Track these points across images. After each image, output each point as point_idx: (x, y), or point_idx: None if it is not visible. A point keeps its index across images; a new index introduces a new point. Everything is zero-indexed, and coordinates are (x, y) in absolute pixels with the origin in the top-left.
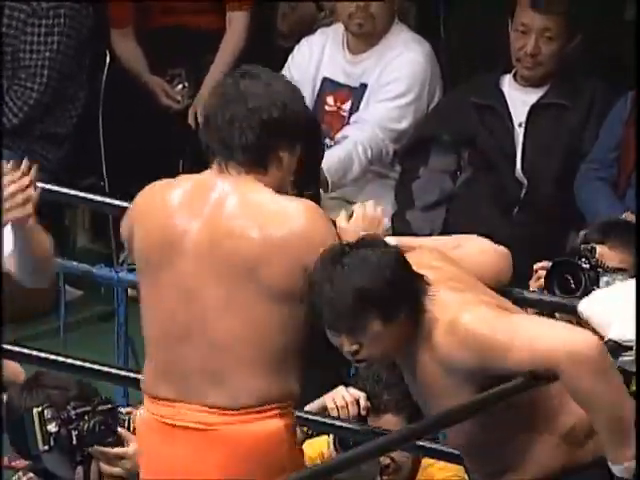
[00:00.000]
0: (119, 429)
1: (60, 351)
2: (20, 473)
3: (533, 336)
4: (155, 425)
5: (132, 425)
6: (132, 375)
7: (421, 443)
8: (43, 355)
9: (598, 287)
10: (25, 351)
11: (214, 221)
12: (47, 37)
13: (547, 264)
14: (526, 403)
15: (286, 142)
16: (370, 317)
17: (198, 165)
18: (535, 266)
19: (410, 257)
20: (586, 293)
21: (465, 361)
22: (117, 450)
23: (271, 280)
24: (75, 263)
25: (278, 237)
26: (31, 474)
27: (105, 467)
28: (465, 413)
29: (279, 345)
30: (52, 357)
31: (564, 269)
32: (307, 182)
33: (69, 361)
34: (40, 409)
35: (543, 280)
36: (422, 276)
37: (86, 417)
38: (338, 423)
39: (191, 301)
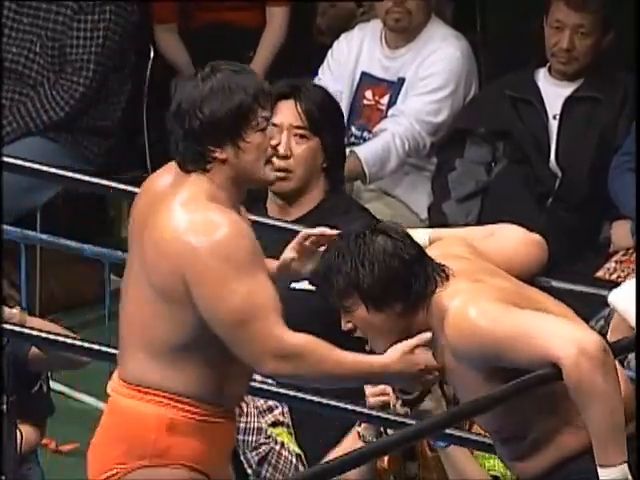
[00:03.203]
0: None
1: (106, 338)
2: None
3: (537, 333)
4: None
5: None
6: None
7: (450, 431)
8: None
9: None
10: (70, 341)
11: (149, 212)
12: (93, 32)
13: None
14: (557, 388)
15: (215, 143)
16: (354, 303)
17: None
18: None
19: (439, 247)
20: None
21: (468, 352)
22: None
23: (154, 278)
24: (120, 253)
25: (167, 239)
26: None
27: None
28: (488, 404)
29: (161, 338)
30: (95, 347)
31: None
32: (335, 168)
33: (108, 350)
34: None
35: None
36: (439, 269)
37: None
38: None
39: (124, 280)
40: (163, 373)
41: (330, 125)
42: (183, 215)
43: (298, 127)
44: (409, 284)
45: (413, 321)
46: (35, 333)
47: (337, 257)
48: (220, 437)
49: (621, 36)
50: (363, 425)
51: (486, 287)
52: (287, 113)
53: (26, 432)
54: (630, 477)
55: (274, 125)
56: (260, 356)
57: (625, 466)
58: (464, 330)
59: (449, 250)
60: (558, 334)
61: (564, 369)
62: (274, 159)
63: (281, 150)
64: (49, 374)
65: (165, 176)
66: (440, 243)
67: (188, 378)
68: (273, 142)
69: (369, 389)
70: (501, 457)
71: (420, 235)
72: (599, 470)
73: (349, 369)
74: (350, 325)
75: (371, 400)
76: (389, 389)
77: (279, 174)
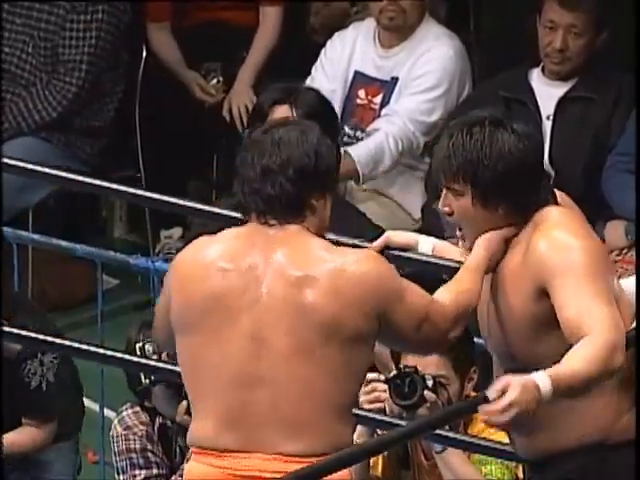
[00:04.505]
0: None
1: (97, 339)
2: (128, 404)
3: (592, 309)
4: (217, 478)
5: None
6: (166, 366)
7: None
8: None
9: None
10: (61, 341)
11: (277, 273)
12: (85, 33)
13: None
14: None
15: (319, 191)
16: (463, 190)
17: (232, 158)
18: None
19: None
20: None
21: (535, 266)
22: None
23: (348, 328)
24: (112, 253)
25: (350, 286)
26: (137, 407)
27: None
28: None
29: (351, 391)
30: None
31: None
32: None
33: (100, 351)
34: (141, 344)
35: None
36: (551, 188)
37: None
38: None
39: (260, 351)
40: (345, 430)
41: (326, 127)
42: (341, 254)
43: None
44: (523, 192)
45: (509, 225)
46: (33, 335)
47: (465, 138)
48: None
49: (614, 36)
50: (357, 433)
51: (591, 232)
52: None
53: (28, 433)
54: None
55: None
56: (444, 338)
57: (549, 394)
58: (549, 248)
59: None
60: (608, 324)
61: (595, 333)
62: None
63: None
64: (47, 372)
65: (250, 235)
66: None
67: (352, 428)
68: None
69: (363, 396)
70: (509, 430)
71: (425, 246)
72: (542, 375)
73: (476, 286)
74: (447, 209)
75: (365, 406)
76: (384, 395)
77: None
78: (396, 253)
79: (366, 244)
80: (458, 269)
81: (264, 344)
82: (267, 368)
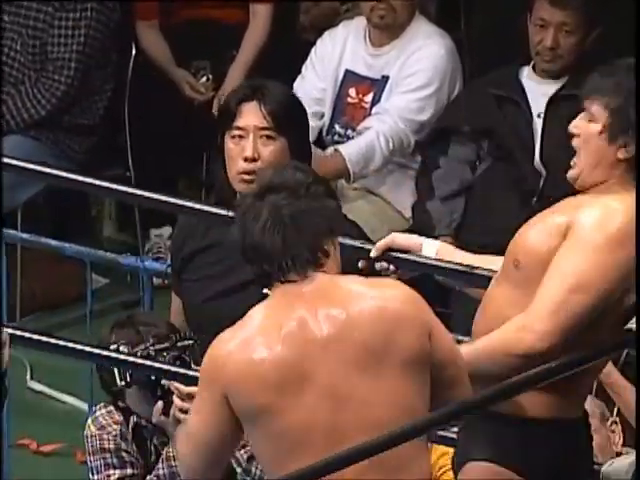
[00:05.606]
0: (194, 366)
1: (87, 338)
2: (102, 404)
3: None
4: None
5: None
6: (156, 365)
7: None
8: (63, 343)
9: None
10: (52, 340)
11: (329, 322)
12: (74, 30)
13: None
14: None
15: (329, 238)
16: (600, 117)
17: (221, 156)
18: None
19: None
20: None
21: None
22: (190, 389)
23: (405, 355)
24: (102, 252)
25: (396, 312)
26: (111, 407)
27: (177, 402)
28: (486, 402)
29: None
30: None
31: None
32: None
33: (88, 349)
34: (115, 346)
35: None
36: None
37: (164, 353)
38: None
39: (340, 405)
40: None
41: (295, 124)
42: (379, 287)
43: (264, 128)
44: None
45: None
46: (28, 335)
47: None
48: None
49: (605, 35)
50: None
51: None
52: (251, 115)
53: None
54: None
55: (239, 129)
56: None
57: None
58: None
59: None
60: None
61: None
62: (242, 163)
63: (248, 153)
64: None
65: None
66: None
67: None
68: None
69: None
70: None
71: (429, 249)
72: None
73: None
74: (575, 130)
75: None
76: None
77: (247, 177)
78: (399, 255)
79: (369, 246)
80: (460, 272)
81: (340, 398)
82: (348, 420)
